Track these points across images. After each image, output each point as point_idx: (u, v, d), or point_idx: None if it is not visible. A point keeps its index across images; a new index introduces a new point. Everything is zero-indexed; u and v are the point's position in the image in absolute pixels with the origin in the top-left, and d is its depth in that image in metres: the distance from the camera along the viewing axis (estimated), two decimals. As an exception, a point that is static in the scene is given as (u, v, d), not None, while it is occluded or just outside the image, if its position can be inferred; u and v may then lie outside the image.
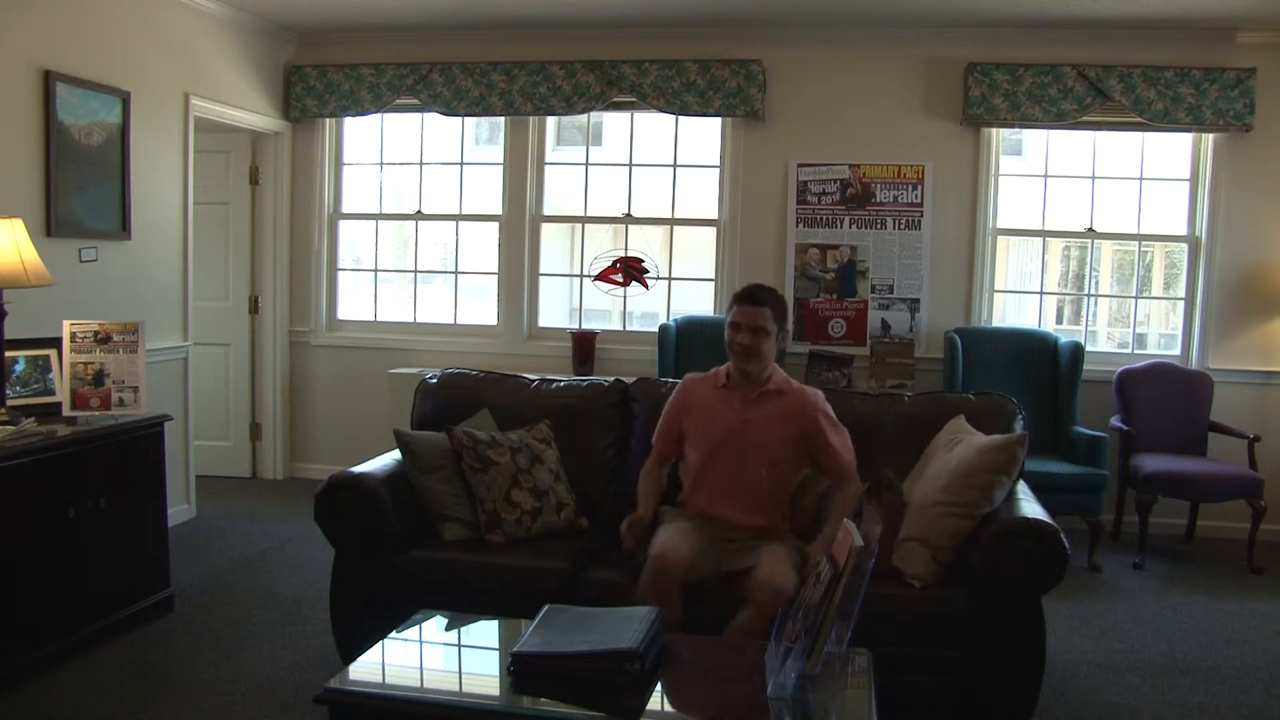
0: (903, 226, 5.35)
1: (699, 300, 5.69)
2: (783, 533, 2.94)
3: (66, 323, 3.56)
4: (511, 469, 3.18)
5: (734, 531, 2.92)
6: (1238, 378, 5.12)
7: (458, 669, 2.49)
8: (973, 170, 5.33)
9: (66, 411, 3.52)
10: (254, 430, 5.95)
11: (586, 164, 5.89)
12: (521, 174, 5.76)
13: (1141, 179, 5.40)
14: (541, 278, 5.89)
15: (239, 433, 5.94)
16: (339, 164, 6.03)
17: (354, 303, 6.16)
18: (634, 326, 5.83)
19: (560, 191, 5.98)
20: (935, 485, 2.91)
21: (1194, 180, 5.27)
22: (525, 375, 3.76)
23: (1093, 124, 5.24)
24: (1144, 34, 5.04)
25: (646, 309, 5.96)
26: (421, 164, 5.99)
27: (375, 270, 6.14)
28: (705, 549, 2.81)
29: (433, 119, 5.82)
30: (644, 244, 5.75)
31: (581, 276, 5.82)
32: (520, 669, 2.10)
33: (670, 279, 5.73)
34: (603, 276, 5.69)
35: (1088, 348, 5.06)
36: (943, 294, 5.37)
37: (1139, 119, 5.06)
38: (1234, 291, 5.15)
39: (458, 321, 6.00)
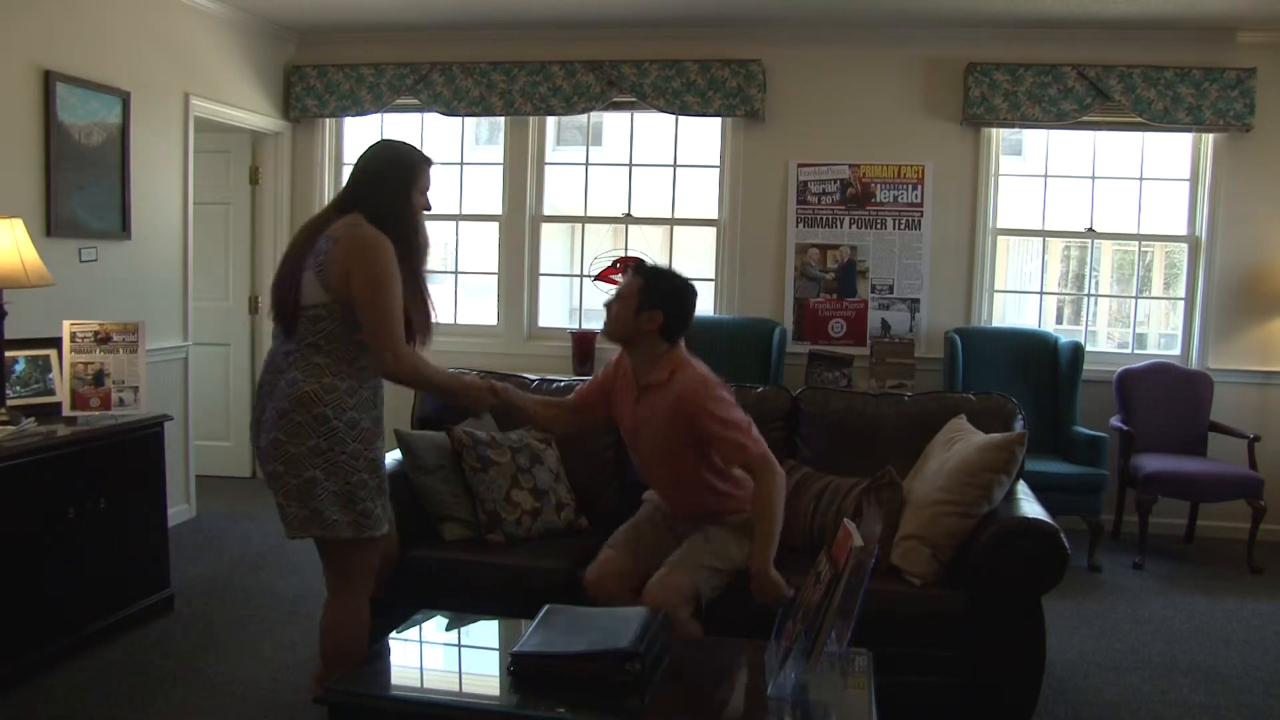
0: (903, 226, 5.35)
1: (699, 300, 5.68)
2: (730, 511, 2.82)
3: (66, 323, 3.56)
4: (512, 469, 3.18)
5: (677, 517, 2.88)
6: (1238, 378, 5.12)
7: (458, 669, 2.49)
8: (973, 170, 5.33)
9: (66, 411, 3.51)
10: (254, 430, 5.95)
11: (586, 164, 5.89)
12: (521, 174, 5.76)
13: (1141, 179, 5.40)
14: (541, 278, 5.89)
15: (239, 433, 5.93)
16: (339, 164, 6.03)
17: (354, 303, 6.14)
18: (634, 326, 5.82)
19: (560, 191, 5.98)
20: (934, 484, 2.91)
21: (1194, 180, 5.27)
22: (525, 375, 3.75)
23: (1093, 124, 5.24)
24: (1144, 34, 5.04)
25: (646, 309, 5.95)
26: (421, 164, 5.99)
27: (375, 270, 6.12)
28: (658, 546, 2.80)
29: (433, 119, 5.82)
30: (644, 244, 5.75)
31: (581, 276, 5.82)
32: (520, 669, 2.10)
33: (670, 279, 5.72)
34: (603, 276, 5.68)
35: (1088, 348, 5.06)
36: (943, 294, 5.37)
37: (1139, 119, 5.06)
38: (1234, 291, 5.15)
39: (458, 321, 6.00)
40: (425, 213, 2.57)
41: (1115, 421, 4.93)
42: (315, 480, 2.33)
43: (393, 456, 3.29)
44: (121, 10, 4.49)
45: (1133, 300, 5.79)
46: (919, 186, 5.33)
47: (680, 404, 2.69)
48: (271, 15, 5.46)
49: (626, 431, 2.90)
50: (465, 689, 2.30)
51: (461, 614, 2.60)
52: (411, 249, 2.46)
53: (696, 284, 2.91)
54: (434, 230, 6.65)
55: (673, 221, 5.74)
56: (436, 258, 6.32)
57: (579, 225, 5.94)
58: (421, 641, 2.47)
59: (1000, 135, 5.41)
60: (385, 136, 2.70)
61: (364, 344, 2.39)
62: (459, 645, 2.55)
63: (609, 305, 2.81)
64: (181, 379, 4.96)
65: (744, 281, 5.53)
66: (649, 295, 2.74)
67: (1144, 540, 4.60)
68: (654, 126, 5.77)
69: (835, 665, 2.19)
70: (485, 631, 2.56)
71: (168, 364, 4.80)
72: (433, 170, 2.58)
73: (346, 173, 5.96)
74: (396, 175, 2.48)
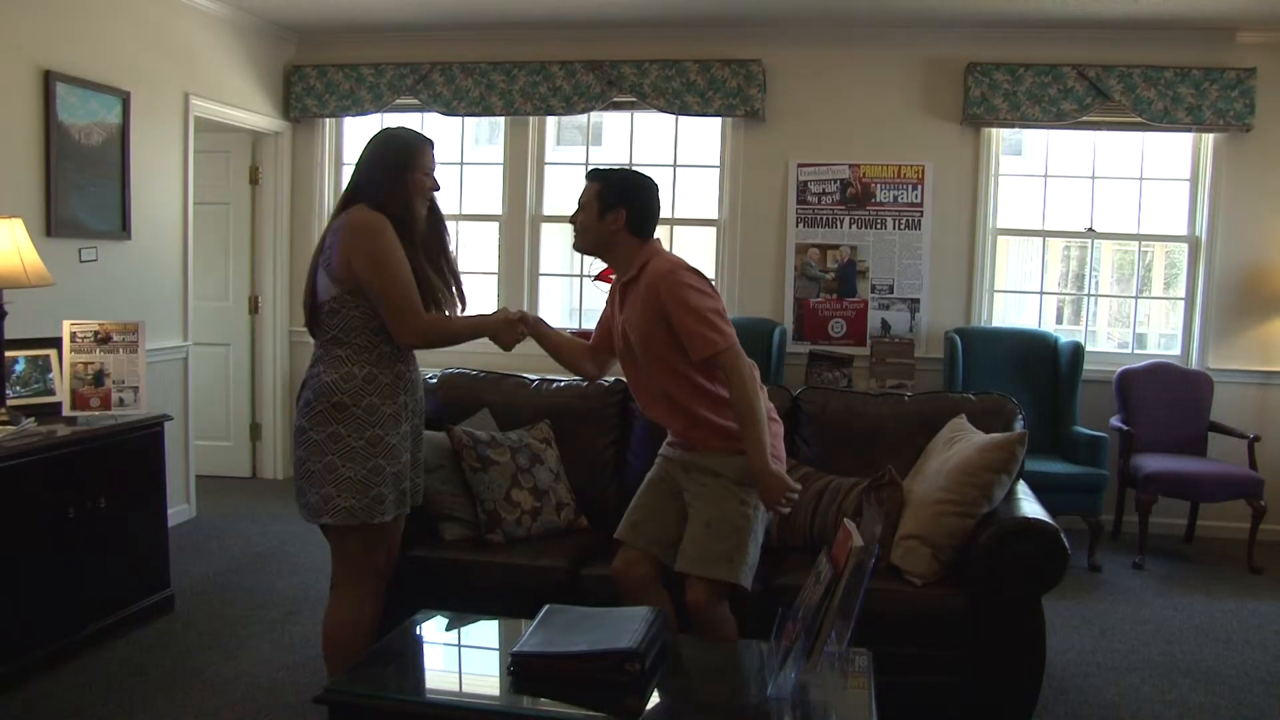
0: (903, 226, 5.35)
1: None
2: (717, 449, 2.69)
3: (66, 323, 3.56)
4: (511, 469, 3.18)
5: (676, 446, 2.81)
6: (1238, 378, 5.12)
7: (458, 669, 2.49)
8: (973, 170, 5.33)
9: (66, 411, 3.51)
10: (254, 430, 5.95)
11: (586, 164, 5.89)
12: (521, 174, 5.76)
13: (1141, 179, 5.40)
14: (541, 278, 5.89)
15: (239, 433, 5.94)
16: (339, 164, 6.03)
17: (354, 303, 6.14)
18: (634, 326, 5.82)
19: (560, 191, 5.97)
20: (935, 483, 2.91)
21: (1194, 180, 5.27)
22: (525, 375, 3.76)
23: (1093, 124, 5.24)
24: (1144, 34, 5.04)
25: (646, 309, 5.95)
26: (421, 164, 5.99)
27: (375, 270, 6.12)
28: (664, 516, 2.76)
29: (433, 119, 5.81)
30: (644, 244, 5.73)
31: (581, 276, 5.82)
32: (520, 669, 2.10)
33: (670, 279, 5.72)
34: (603, 276, 5.67)
35: (1088, 348, 5.06)
36: (943, 294, 5.37)
37: (1139, 119, 5.06)
38: (1234, 291, 5.15)
39: (458, 321, 5.99)
40: (436, 192, 2.62)
41: (1115, 421, 4.93)
42: (332, 466, 2.43)
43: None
44: (121, 10, 4.49)
45: (1133, 300, 5.79)
46: (919, 186, 5.34)
47: (650, 293, 2.65)
48: (271, 15, 5.46)
49: (619, 343, 2.83)
50: (465, 689, 2.30)
51: (461, 614, 2.59)
52: (411, 228, 2.52)
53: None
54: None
55: (673, 221, 5.74)
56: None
57: (579, 225, 5.93)
58: (422, 641, 2.47)
59: (1000, 135, 5.41)
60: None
61: (382, 329, 2.48)
62: (459, 645, 2.55)
63: (574, 219, 2.81)
64: (181, 379, 4.96)
65: (744, 281, 5.53)
66: (608, 195, 2.73)
67: (1144, 540, 4.60)
68: (654, 126, 5.77)
69: (835, 665, 2.18)
70: (485, 631, 2.56)
71: (168, 364, 4.80)
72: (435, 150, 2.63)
73: (347, 173, 6.01)
74: (391, 159, 2.53)
